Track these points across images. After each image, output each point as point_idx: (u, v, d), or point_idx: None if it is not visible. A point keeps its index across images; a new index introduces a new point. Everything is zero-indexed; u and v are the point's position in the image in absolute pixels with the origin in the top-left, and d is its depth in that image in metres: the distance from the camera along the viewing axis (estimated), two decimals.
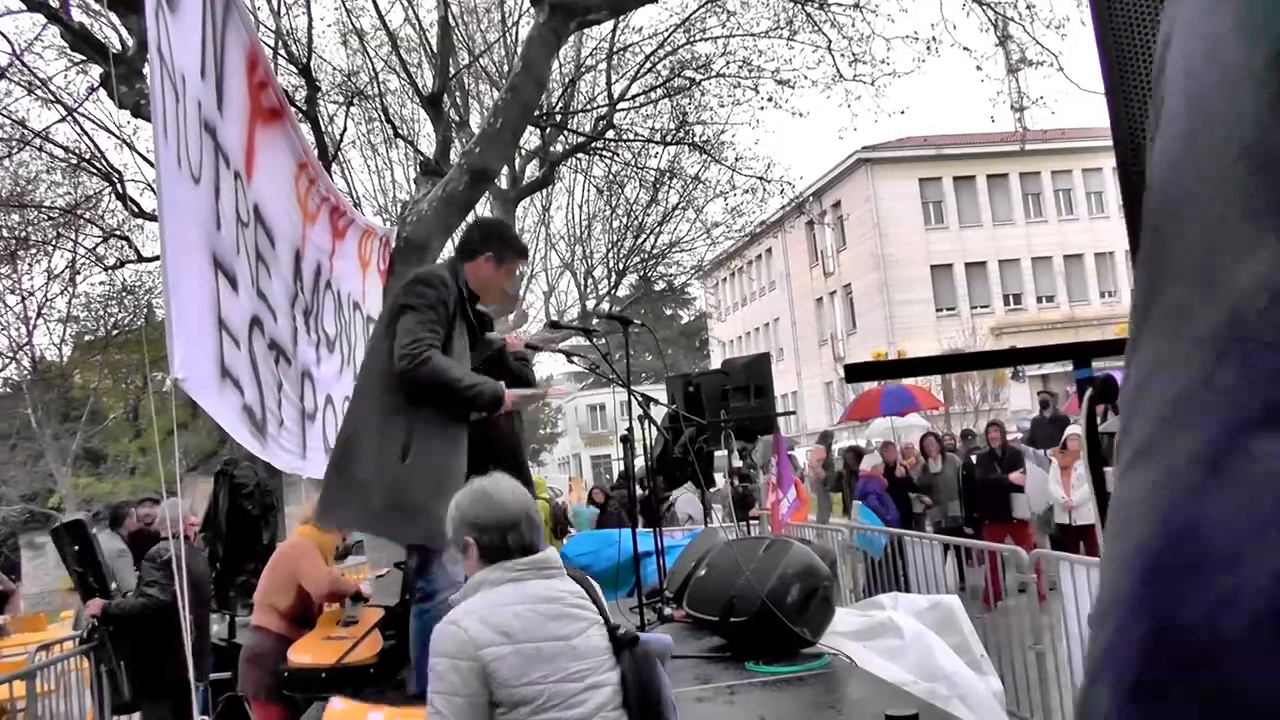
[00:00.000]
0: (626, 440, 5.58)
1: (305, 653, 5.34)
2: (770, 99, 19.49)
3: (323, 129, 15.25)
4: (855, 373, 2.06)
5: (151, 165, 16.41)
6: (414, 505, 4.23)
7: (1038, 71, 16.26)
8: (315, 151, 9.32)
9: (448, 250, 10.69)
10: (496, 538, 2.95)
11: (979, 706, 4.66)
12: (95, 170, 17.36)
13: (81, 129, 16.24)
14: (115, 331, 27.09)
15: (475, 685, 2.71)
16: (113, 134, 16.91)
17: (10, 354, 28.05)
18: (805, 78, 20.01)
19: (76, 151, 17.16)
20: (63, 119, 16.00)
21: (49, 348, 31.31)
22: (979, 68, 17.40)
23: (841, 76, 17.82)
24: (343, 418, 4.48)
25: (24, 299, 26.09)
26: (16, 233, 19.97)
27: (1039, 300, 48.08)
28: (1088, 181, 48.86)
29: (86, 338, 29.17)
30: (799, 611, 4.75)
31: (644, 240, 26.13)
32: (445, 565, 4.37)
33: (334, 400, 7.00)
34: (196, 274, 4.80)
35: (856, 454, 15.50)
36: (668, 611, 6.12)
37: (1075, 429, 12.65)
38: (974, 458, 13.46)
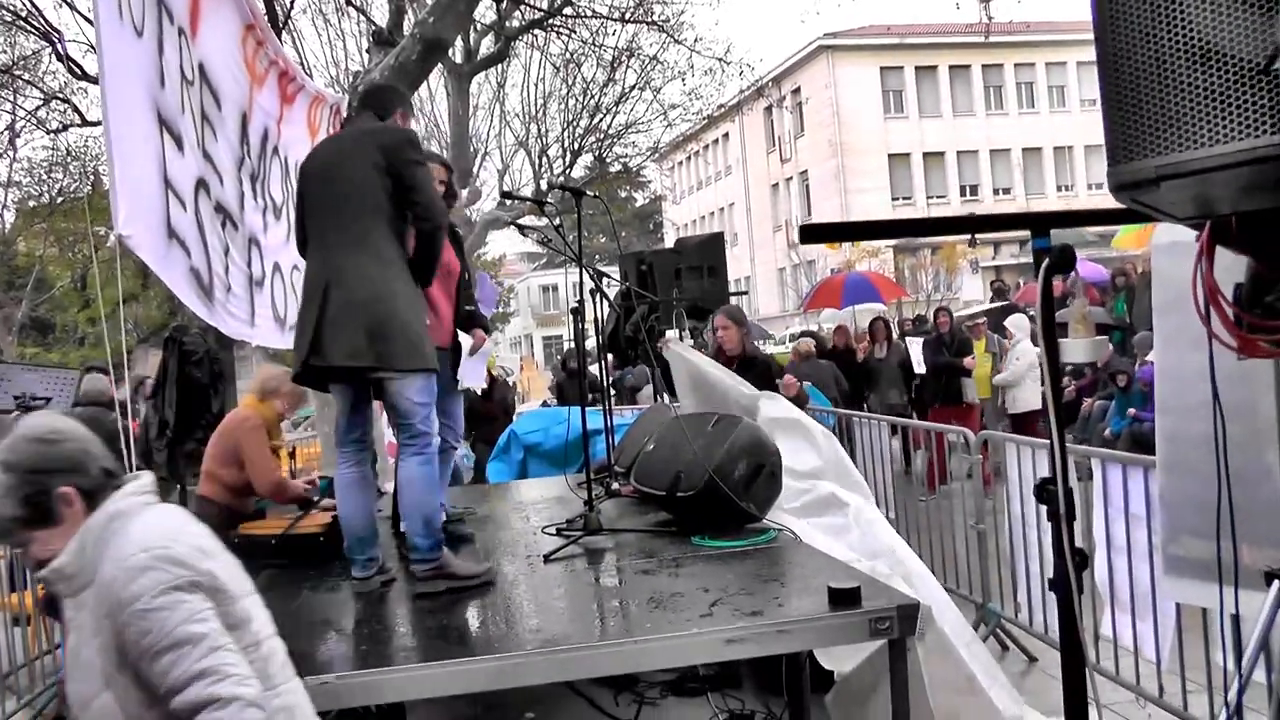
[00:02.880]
0: (577, 312, 5.51)
1: (255, 524, 5.35)
2: None
3: None
4: (810, 233, 2.04)
5: (93, 25, 15.95)
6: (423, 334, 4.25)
7: None
8: (265, 15, 9.04)
9: None
10: (98, 475, 2.44)
11: (920, 583, 4.75)
12: (33, 29, 16.73)
13: None
14: (60, 199, 26.43)
15: (209, 603, 2.34)
16: None
17: None
18: None
19: (11, 8, 16.50)
20: None
21: None
22: None
23: None
24: (326, 266, 4.23)
25: None
26: None
27: (995, 192, 48.22)
28: (1050, 75, 48.80)
29: (30, 204, 28.44)
30: (745, 487, 4.78)
31: (600, 120, 25.79)
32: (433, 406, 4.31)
33: (281, 268, 6.88)
34: (140, 129, 4.66)
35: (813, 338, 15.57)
36: (615, 486, 6.15)
37: (1016, 317, 12.88)
38: (922, 342, 13.55)
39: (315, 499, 5.77)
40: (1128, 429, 10.33)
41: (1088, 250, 24.69)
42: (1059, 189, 48.45)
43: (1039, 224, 2.26)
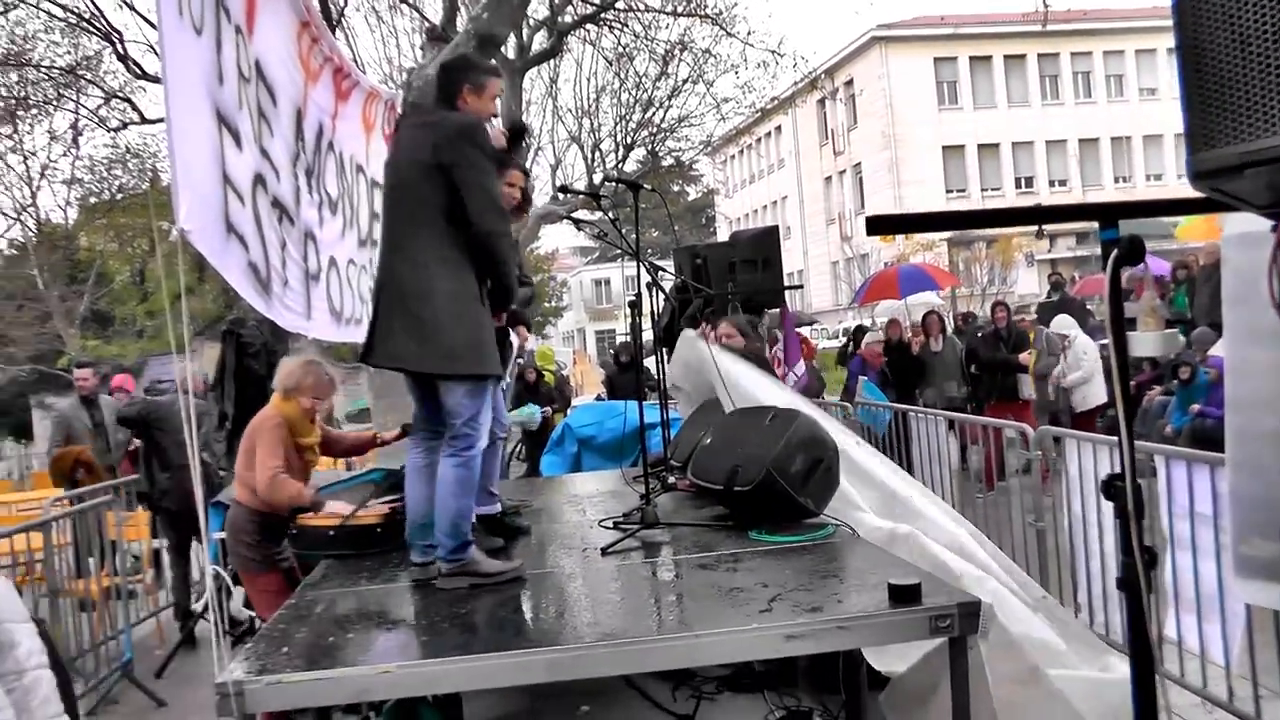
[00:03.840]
0: (634, 306, 5.48)
1: (313, 515, 5.30)
2: None
3: None
4: (876, 224, 2.01)
5: (152, 26, 16.15)
6: (484, 342, 4.17)
7: None
8: (319, 12, 9.11)
9: None
10: None
11: (933, 530, 4.67)
12: (95, 30, 17.13)
13: None
14: (120, 195, 26.91)
15: None
16: None
17: (15, 215, 28.08)
18: None
19: (75, 10, 16.88)
20: None
21: (54, 210, 31.23)
22: None
23: None
24: (381, 266, 4.22)
25: (26, 159, 25.91)
26: (15, 92, 19.78)
27: (1051, 184, 47.63)
28: (1108, 64, 48.11)
29: (91, 200, 29.00)
30: (803, 481, 4.74)
31: (653, 114, 25.79)
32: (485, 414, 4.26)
33: (337, 263, 6.93)
34: (201, 126, 4.71)
35: (860, 333, 15.45)
36: (672, 480, 6.13)
37: (1061, 317, 12.69)
38: (979, 336, 13.40)
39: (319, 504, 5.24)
40: (1189, 425, 10.10)
41: (1150, 243, 24.37)
42: (1116, 180, 47.76)
43: (1108, 214, 2.21)
